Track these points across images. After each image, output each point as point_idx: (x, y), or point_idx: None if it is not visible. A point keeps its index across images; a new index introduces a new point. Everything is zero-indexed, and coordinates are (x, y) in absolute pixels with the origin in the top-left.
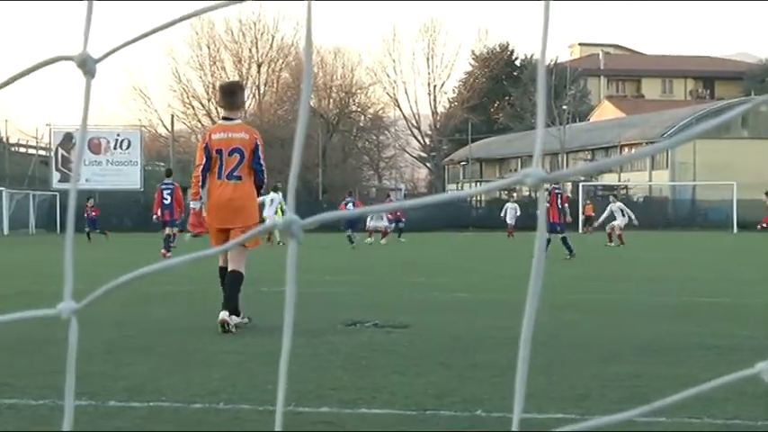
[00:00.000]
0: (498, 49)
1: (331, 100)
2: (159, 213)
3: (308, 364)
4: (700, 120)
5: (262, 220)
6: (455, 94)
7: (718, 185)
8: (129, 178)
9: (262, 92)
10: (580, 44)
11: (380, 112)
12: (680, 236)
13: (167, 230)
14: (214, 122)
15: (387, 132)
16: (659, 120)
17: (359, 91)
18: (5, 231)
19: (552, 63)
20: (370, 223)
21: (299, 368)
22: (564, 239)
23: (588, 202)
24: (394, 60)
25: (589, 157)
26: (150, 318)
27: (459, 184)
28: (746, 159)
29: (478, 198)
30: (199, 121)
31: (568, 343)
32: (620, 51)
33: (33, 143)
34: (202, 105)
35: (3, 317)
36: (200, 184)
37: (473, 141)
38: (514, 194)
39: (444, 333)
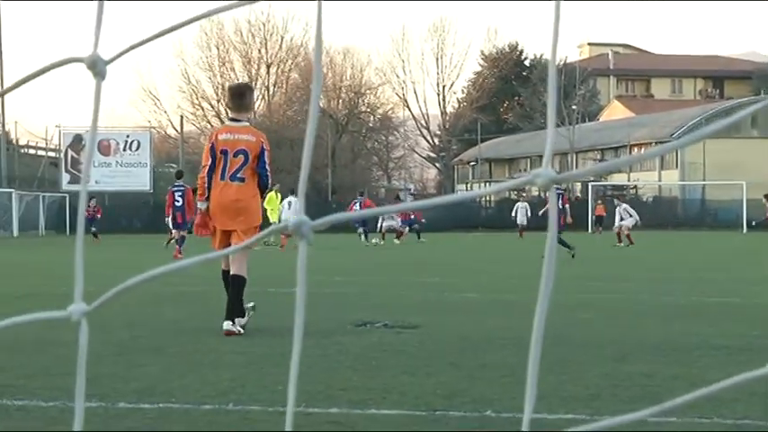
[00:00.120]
0: (507, 49)
1: (340, 100)
2: (171, 215)
3: (317, 365)
4: (709, 119)
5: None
6: (464, 94)
7: (728, 185)
8: (139, 180)
9: (271, 93)
10: (589, 44)
11: (389, 112)
12: (689, 236)
13: (174, 233)
14: (223, 123)
15: (396, 133)
16: (669, 119)
17: (368, 91)
18: (15, 233)
19: (561, 63)
20: (382, 224)
21: (309, 369)
22: (560, 239)
23: (600, 202)
24: (403, 60)
25: (598, 156)
26: (161, 319)
27: (469, 185)
28: (756, 159)
29: (488, 198)
30: (208, 122)
31: (579, 343)
32: (629, 51)
33: (43, 145)
34: (212, 106)
35: (13, 319)
36: (206, 185)
37: (482, 141)
38: (524, 194)
39: (454, 333)
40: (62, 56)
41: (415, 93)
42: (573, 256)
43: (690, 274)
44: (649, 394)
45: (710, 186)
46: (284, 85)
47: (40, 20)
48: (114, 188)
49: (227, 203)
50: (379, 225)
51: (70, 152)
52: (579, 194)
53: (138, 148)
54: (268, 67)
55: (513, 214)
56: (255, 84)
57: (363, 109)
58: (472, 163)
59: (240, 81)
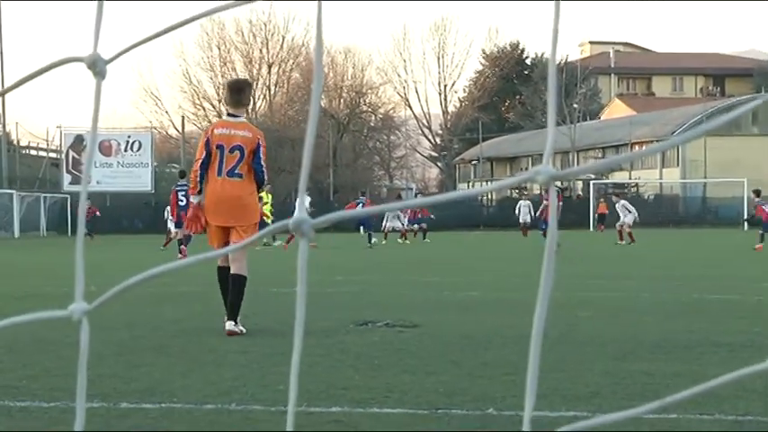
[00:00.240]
0: (509, 48)
1: (342, 100)
2: (176, 215)
3: (319, 364)
4: (710, 117)
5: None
6: (466, 94)
7: (729, 183)
8: (140, 180)
9: (272, 92)
10: (590, 42)
11: (391, 111)
12: (691, 233)
13: (178, 232)
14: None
15: (397, 132)
16: (670, 117)
17: (369, 91)
18: (16, 234)
19: (563, 61)
20: (386, 224)
21: (311, 368)
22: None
23: (602, 200)
24: (404, 60)
25: (600, 155)
26: (162, 318)
27: (471, 184)
28: (757, 156)
29: (489, 197)
30: (209, 122)
31: (580, 341)
32: (630, 49)
33: (44, 145)
34: (213, 106)
35: (14, 319)
36: (198, 178)
37: (484, 140)
38: (526, 192)
39: (455, 332)
40: (62, 55)
41: (416, 92)
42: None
43: (691, 271)
44: (650, 392)
45: (711, 184)
46: (285, 85)
47: (41, 20)
48: (116, 189)
49: (225, 200)
50: (383, 225)
51: (71, 153)
52: (581, 193)
53: (139, 149)
54: (269, 66)
55: (517, 212)
56: (257, 84)
57: (365, 108)
58: (474, 162)
59: (238, 77)
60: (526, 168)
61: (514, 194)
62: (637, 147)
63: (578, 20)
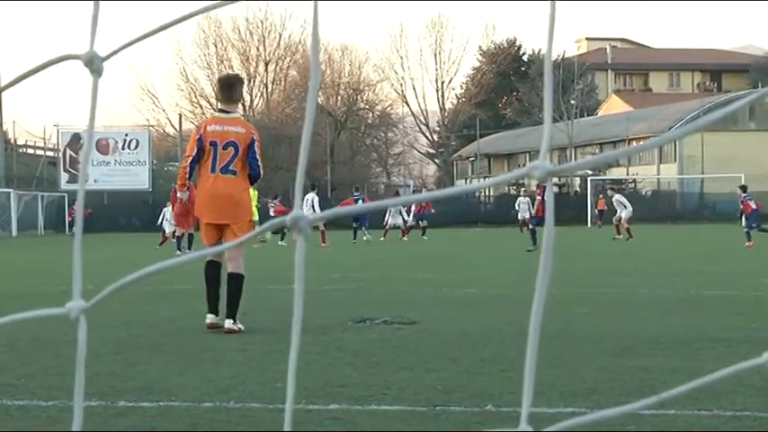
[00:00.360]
0: (506, 45)
1: (339, 97)
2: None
3: (316, 362)
4: (707, 112)
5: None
6: (463, 90)
7: (726, 178)
8: (138, 178)
9: (269, 90)
10: (587, 39)
11: (388, 108)
12: (688, 229)
13: (171, 231)
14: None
15: (395, 129)
16: (667, 113)
17: (367, 88)
18: (14, 233)
19: (559, 58)
20: (388, 218)
21: (309, 365)
22: (534, 231)
23: (601, 197)
24: (401, 57)
25: (597, 151)
26: (159, 317)
27: (468, 180)
28: (754, 151)
29: (487, 194)
30: None
31: (577, 337)
32: (627, 45)
33: (41, 144)
34: (210, 104)
35: (12, 317)
36: (187, 175)
37: (481, 137)
38: (524, 189)
39: (453, 329)
40: (59, 53)
41: (413, 89)
42: (528, 251)
43: (688, 267)
44: (648, 387)
45: (709, 179)
46: (282, 83)
47: (37, 17)
48: (113, 187)
49: (219, 197)
50: (385, 221)
51: (69, 151)
52: (578, 189)
53: (136, 147)
54: (266, 64)
55: (517, 208)
56: (254, 81)
57: (362, 106)
58: (471, 159)
59: (230, 72)
60: (523, 164)
61: (512, 191)
62: (634, 142)
63: (575, 16)
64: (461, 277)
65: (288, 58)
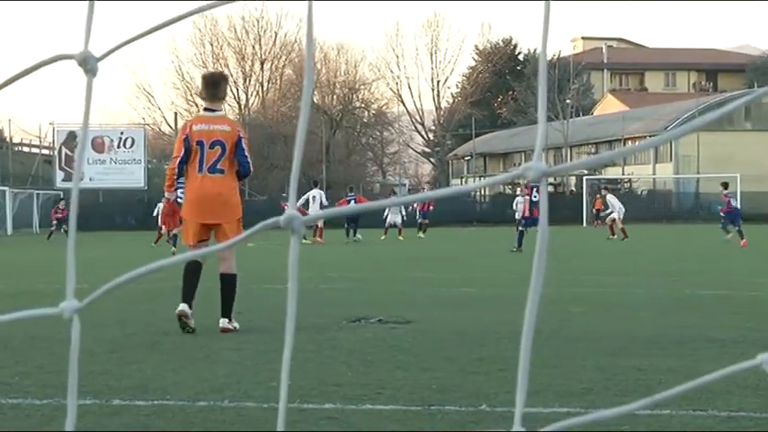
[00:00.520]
0: (502, 44)
1: (334, 96)
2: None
3: (311, 361)
4: (703, 112)
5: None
6: (458, 90)
7: (722, 178)
8: (133, 176)
9: (265, 89)
10: (583, 38)
11: (384, 107)
12: (684, 229)
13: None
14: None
15: (390, 128)
16: (663, 113)
17: (362, 87)
18: (9, 231)
19: (555, 57)
20: (387, 215)
21: (303, 364)
22: (522, 233)
23: (598, 196)
24: (397, 56)
25: (593, 150)
26: (154, 316)
27: (464, 179)
28: (750, 151)
29: (483, 193)
30: None
31: (573, 337)
32: (623, 45)
33: (37, 142)
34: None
35: (6, 316)
36: (175, 176)
37: (477, 136)
38: (519, 189)
39: (449, 328)
40: (54, 53)
41: (409, 88)
42: (512, 251)
43: (684, 266)
44: (643, 387)
45: (705, 179)
46: (278, 82)
47: (31, 17)
48: (108, 185)
49: (208, 196)
50: (384, 216)
51: (64, 149)
52: (574, 189)
53: (132, 145)
54: (262, 63)
55: (514, 208)
56: (250, 80)
57: (358, 104)
58: (467, 158)
59: (214, 70)
60: (519, 164)
61: (508, 190)
62: (630, 142)
63: (571, 15)
64: (459, 277)
65: (284, 57)
